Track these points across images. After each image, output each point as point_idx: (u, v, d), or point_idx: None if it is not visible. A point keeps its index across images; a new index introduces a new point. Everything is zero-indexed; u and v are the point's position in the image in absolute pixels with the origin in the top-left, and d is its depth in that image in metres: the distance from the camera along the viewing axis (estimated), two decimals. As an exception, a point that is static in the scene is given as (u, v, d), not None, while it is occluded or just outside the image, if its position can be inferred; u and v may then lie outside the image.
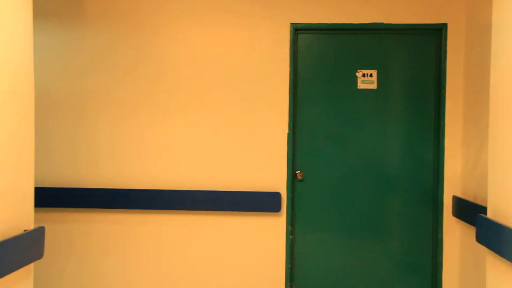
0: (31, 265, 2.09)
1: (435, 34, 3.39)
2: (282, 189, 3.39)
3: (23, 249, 1.96)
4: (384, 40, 3.44)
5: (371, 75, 3.41)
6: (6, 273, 1.82)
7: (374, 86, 3.42)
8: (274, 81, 3.39)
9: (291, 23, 3.39)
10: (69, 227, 3.45)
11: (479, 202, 2.91)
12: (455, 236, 3.32)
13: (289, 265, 3.42)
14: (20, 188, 1.98)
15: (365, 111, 3.43)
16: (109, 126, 3.45)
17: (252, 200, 3.36)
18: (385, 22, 3.36)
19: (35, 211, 2.12)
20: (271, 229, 3.40)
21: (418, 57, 3.42)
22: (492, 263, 2.09)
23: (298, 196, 3.45)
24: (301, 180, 3.44)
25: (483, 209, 2.32)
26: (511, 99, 1.94)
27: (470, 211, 2.95)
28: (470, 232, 3.00)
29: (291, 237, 3.43)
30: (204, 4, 3.43)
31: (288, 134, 3.39)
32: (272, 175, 3.39)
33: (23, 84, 2.00)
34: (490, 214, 2.14)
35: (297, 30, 3.43)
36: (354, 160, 3.43)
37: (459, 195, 3.27)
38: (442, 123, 3.34)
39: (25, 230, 2.00)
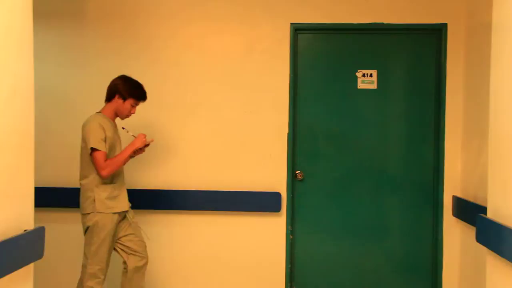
0: (31, 265, 2.08)
1: (435, 34, 3.38)
2: (282, 189, 3.39)
3: (23, 249, 1.96)
4: (384, 40, 3.44)
5: (371, 75, 3.41)
6: (6, 273, 1.82)
7: (374, 86, 3.42)
8: (274, 81, 3.39)
9: (291, 23, 3.39)
10: (69, 227, 3.44)
11: (479, 202, 2.90)
12: (455, 236, 3.32)
13: (289, 265, 3.42)
14: (20, 188, 1.98)
15: (365, 111, 3.43)
16: (109, 126, 3.44)
17: (252, 200, 3.36)
18: (385, 22, 3.36)
19: (35, 211, 2.12)
20: (271, 229, 3.40)
21: (418, 57, 3.42)
22: (492, 263, 2.09)
23: (298, 196, 3.45)
24: (301, 180, 3.44)
25: (483, 209, 2.32)
26: (511, 99, 1.94)
27: (470, 211, 2.95)
28: (470, 232, 2.99)
29: (291, 237, 3.43)
30: (205, 4, 3.42)
31: (288, 134, 3.39)
32: (272, 175, 3.39)
33: (23, 84, 2.00)
34: (490, 214, 2.14)
35: (297, 30, 3.43)
36: (354, 160, 3.43)
37: (459, 195, 3.27)
38: (442, 123, 3.34)
39: (25, 230, 1.99)
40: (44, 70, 3.38)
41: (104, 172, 2.70)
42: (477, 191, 2.98)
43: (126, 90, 2.81)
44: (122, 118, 2.91)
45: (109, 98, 2.85)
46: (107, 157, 2.75)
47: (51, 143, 3.42)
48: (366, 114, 3.43)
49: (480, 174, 2.93)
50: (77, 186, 3.41)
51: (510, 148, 1.94)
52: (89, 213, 2.76)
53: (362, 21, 3.37)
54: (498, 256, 2.00)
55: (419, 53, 3.42)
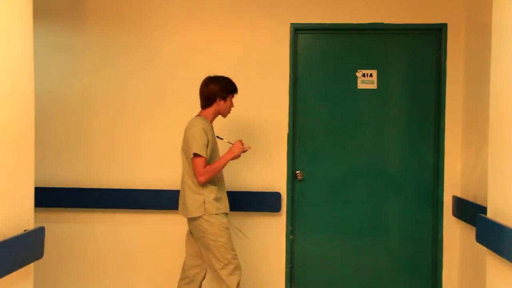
0: (31, 265, 2.09)
1: (435, 34, 3.38)
2: (282, 189, 3.38)
3: (23, 249, 1.96)
4: (384, 40, 3.44)
5: (371, 75, 3.41)
6: (6, 273, 1.82)
7: (374, 86, 3.41)
8: (274, 81, 3.39)
9: (291, 23, 3.39)
10: (69, 227, 3.44)
11: (479, 202, 2.90)
12: (455, 236, 3.32)
13: (289, 265, 3.42)
14: (20, 188, 1.98)
15: (365, 111, 3.43)
16: (109, 126, 3.44)
17: (252, 200, 3.36)
18: (385, 22, 3.36)
19: (35, 211, 2.12)
20: (271, 229, 3.40)
21: (418, 57, 3.42)
22: (492, 263, 2.09)
23: (298, 196, 3.45)
24: (301, 180, 3.44)
25: (483, 209, 2.32)
26: (511, 99, 1.94)
27: (470, 211, 2.95)
28: (470, 232, 2.99)
29: (291, 237, 3.43)
30: (205, 3, 3.42)
31: (288, 134, 3.39)
32: (272, 175, 3.39)
33: (23, 84, 2.00)
34: (490, 214, 2.14)
35: (297, 30, 3.43)
36: (354, 160, 3.43)
37: (459, 195, 3.27)
38: (442, 123, 3.33)
39: (25, 230, 2.00)
40: (44, 70, 3.38)
41: (202, 178, 2.69)
42: (477, 191, 2.98)
43: (224, 90, 2.84)
44: (225, 116, 2.94)
45: (209, 103, 2.85)
46: (209, 159, 2.75)
47: (51, 143, 3.42)
48: (366, 114, 3.43)
49: (480, 174, 2.93)
50: (77, 186, 3.43)
51: (510, 148, 1.94)
52: (199, 216, 2.73)
53: (362, 21, 3.37)
54: (498, 256, 2.00)
55: (419, 53, 3.42)
